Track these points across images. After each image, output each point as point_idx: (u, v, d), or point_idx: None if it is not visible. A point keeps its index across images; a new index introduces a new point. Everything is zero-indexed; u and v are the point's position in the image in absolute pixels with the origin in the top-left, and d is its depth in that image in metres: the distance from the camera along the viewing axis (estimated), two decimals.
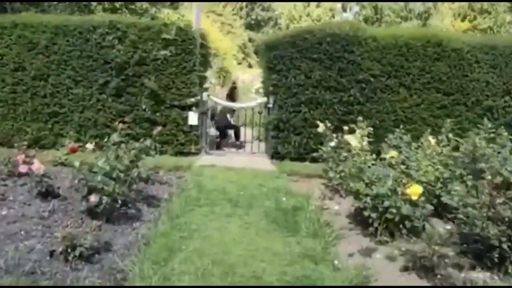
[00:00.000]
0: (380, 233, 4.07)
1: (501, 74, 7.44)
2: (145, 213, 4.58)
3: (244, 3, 34.78)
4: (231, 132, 9.36)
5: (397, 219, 3.98)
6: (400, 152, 5.19)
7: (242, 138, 9.07)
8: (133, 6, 11.52)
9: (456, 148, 5.11)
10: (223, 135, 8.97)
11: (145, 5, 11.90)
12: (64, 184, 5.00)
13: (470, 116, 7.37)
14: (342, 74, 7.28)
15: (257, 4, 35.56)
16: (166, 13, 9.56)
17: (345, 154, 5.52)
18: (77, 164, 4.26)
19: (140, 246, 3.72)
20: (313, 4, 29.32)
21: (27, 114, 7.50)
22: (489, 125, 5.33)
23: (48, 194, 4.65)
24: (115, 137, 4.95)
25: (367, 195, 4.15)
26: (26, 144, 6.46)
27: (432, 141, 5.17)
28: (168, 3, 13.53)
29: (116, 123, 6.59)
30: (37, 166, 4.58)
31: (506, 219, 3.46)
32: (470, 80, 7.39)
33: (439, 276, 3.38)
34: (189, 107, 7.44)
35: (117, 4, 11.19)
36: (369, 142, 5.64)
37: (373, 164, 4.95)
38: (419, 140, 5.41)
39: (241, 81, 14.53)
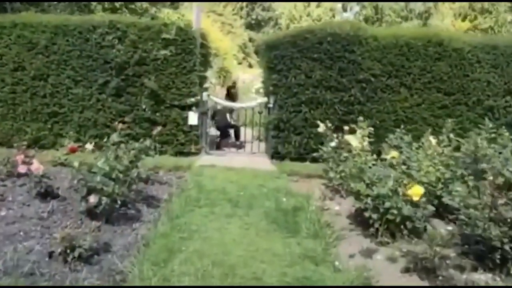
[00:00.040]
0: (381, 234, 4.05)
1: (502, 74, 7.42)
2: (145, 214, 4.56)
3: (244, 3, 34.77)
4: (231, 132, 9.33)
5: (398, 220, 3.95)
6: (401, 152, 5.16)
7: (242, 138, 9.05)
8: (133, 6, 11.51)
9: (457, 148, 5.09)
10: (224, 135, 8.95)
11: (145, 5, 11.89)
12: (64, 184, 4.98)
13: (471, 116, 7.34)
14: (343, 74, 7.25)
15: (258, 4, 35.55)
16: (166, 13, 9.52)
17: (345, 154, 5.49)
18: (76, 164, 4.24)
19: (140, 247, 3.70)
20: (313, 4, 29.33)
21: (26, 114, 7.48)
22: (490, 125, 5.31)
23: (47, 194, 4.63)
24: (114, 137, 4.93)
25: (367, 195, 4.12)
26: (25, 144, 6.44)
27: (433, 141, 5.14)
28: (168, 3, 13.51)
29: (116, 123, 6.57)
30: (36, 166, 4.56)
31: (508, 220, 3.43)
32: (471, 80, 7.36)
33: (440, 278, 3.36)
34: (189, 107, 7.42)
35: (117, 4, 11.17)
36: (370, 142, 5.62)
37: (373, 165, 4.92)
38: (419, 140, 5.39)
39: (241, 81, 14.52)
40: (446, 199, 4.33)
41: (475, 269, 3.52)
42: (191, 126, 7.45)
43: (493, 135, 5.23)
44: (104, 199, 4.05)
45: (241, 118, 9.74)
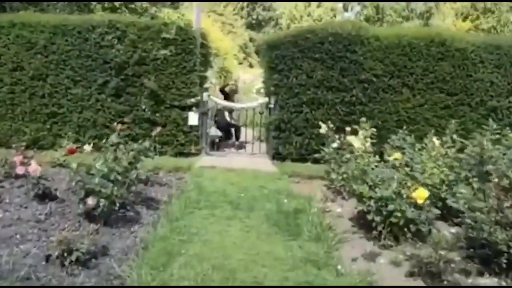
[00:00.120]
0: (384, 237, 3.97)
1: (506, 74, 7.34)
2: (144, 216, 4.49)
3: (245, 3, 34.74)
4: (233, 132, 9.26)
5: (401, 222, 3.89)
6: (403, 154, 5.10)
7: (242, 138, 8.98)
8: (132, 6, 11.43)
9: (460, 150, 5.01)
10: (226, 135, 8.88)
11: (145, 4, 11.81)
12: (62, 186, 4.90)
13: (474, 116, 7.27)
14: (344, 74, 7.18)
15: (258, 4, 35.53)
16: (166, 13, 9.45)
17: (347, 155, 5.42)
18: (74, 165, 4.17)
19: (138, 250, 3.63)
20: (314, 4, 29.28)
21: (25, 114, 7.41)
22: (494, 126, 5.24)
23: (45, 196, 4.56)
24: (113, 138, 4.86)
25: (370, 198, 4.05)
26: (24, 144, 6.36)
27: (437, 142, 5.07)
28: (168, 2, 13.44)
29: (115, 123, 6.50)
30: (34, 167, 4.48)
31: None
32: (474, 80, 7.29)
33: (445, 282, 3.29)
34: (189, 107, 7.35)
35: (117, 4, 11.10)
36: (371, 143, 5.55)
37: (376, 166, 4.85)
38: (422, 141, 5.32)
39: (242, 81, 14.44)
40: (450, 202, 4.26)
41: (480, 274, 3.45)
42: (191, 126, 7.38)
43: (497, 136, 5.16)
44: (103, 201, 3.98)
45: (242, 119, 9.67)
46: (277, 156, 7.36)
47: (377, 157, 5.18)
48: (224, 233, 4.14)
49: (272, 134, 7.43)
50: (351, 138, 5.53)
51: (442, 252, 3.34)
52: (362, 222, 4.39)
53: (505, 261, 3.35)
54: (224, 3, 31.98)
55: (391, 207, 3.88)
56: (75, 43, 7.30)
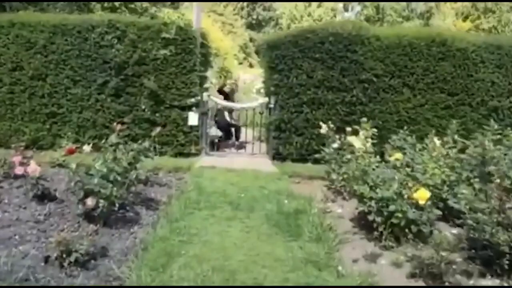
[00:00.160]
0: (385, 237, 3.95)
1: (507, 74, 7.32)
2: (144, 217, 4.47)
3: (245, 3, 34.72)
4: (233, 132, 9.24)
5: (403, 223, 3.86)
6: (404, 154, 5.07)
7: (242, 138, 8.96)
8: (132, 5, 11.42)
9: (461, 150, 4.99)
10: (226, 135, 8.85)
11: (145, 4, 11.80)
12: (61, 186, 4.88)
13: (475, 116, 7.24)
14: (345, 74, 7.16)
15: (258, 4, 35.51)
16: (166, 12, 9.43)
17: (348, 155, 5.40)
18: (73, 166, 4.14)
19: (138, 251, 3.61)
20: (314, 4, 29.26)
21: (25, 114, 7.39)
22: (495, 126, 5.21)
23: (44, 197, 4.54)
24: (113, 138, 4.84)
25: (371, 198, 4.03)
26: (24, 145, 6.32)
27: (437, 142, 5.05)
28: (168, 2, 13.42)
29: (115, 124, 6.47)
30: (33, 168, 4.45)
31: None
32: (475, 80, 7.26)
33: (447, 284, 3.27)
34: (189, 108, 7.33)
35: (117, 3, 11.08)
36: (372, 144, 5.53)
37: (377, 167, 4.82)
38: (423, 141, 5.30)
39: (242, 81, 14.42)
40: (451, 202, 4.24)
41: (482, 275, 3.43)
42: (191, 126, 7.36)
43: (498, 136, 5.13)
44: (102, 202, 3.95)
45: (242, 119, 9.65)
46: (277, 156, 7.34)
47: (378, 158, 5.14)
48: (224, 234, 4.12)
49: (272, 134, 7.41)
50: (351, 138, 5.50)
51: (444, 253, 3.31)
52: (363, 223, 4.37)
53: (507, 262, 3.33)
54: (224, 3, 31.95)
55: (392, 207, 3.86)
56: (74, 43, 7.28)
